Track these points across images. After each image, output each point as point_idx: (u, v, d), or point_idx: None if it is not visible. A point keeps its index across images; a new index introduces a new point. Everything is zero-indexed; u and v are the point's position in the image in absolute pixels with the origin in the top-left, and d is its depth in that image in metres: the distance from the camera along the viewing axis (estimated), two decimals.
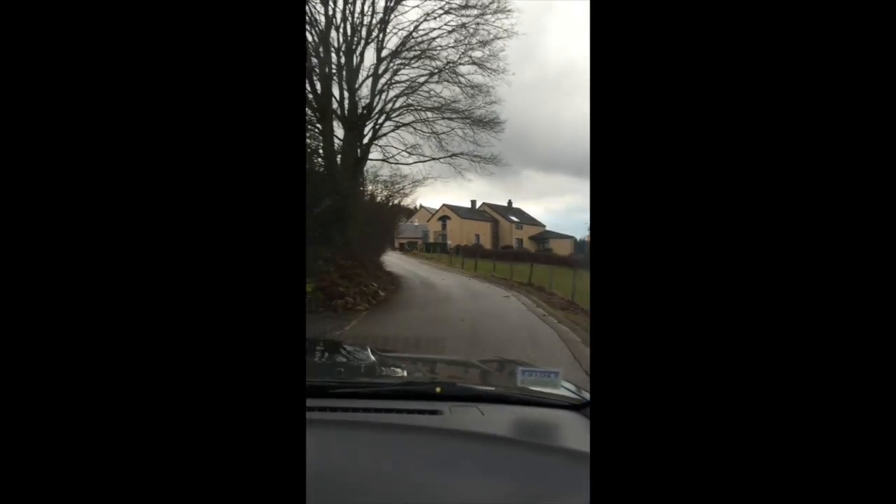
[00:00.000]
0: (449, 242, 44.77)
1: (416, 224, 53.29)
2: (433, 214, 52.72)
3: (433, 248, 36.81)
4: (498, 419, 1.01)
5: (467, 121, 13.55)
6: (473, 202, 55.40)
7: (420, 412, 1.00)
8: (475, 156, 13.96)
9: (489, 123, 13.55)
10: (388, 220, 17.23)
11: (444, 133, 13.95)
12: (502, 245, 49.09)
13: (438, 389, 1.11)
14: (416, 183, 16.13)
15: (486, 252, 36.98)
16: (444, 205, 51.74)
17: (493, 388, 1.27)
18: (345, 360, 1.60)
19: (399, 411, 1.00)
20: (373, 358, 1.51)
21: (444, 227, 50.09)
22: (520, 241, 51.11)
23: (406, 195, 17.61)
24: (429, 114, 13.51)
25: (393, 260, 26.31)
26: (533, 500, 0.66)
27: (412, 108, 13.55)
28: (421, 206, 59.52)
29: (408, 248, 40.76)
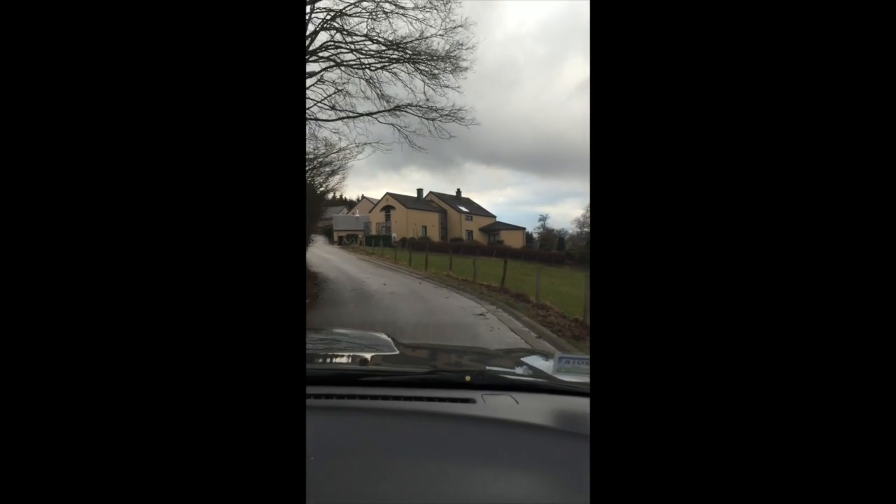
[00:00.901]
0: (394, 235, 40.52)
1: (358, 216, 48.42)
2: (375, 204, 48.18)
3: (376, 242, 32.25)
4: (533, 407, 0.98)
5: (421, 58, 9.10)
6: (420, 191, 51.25)
7: (452, 400, 0.97)
8: (430, 109, 9.59)
9: (451, 61, 9.26)
10: (310, 205, 12.65)
11: (386, 82, 9.57)
12: (451, 237, 45.34)
13: (468, 378, 1.07)
14: (346, 154, 11.46)
15: (436, 245, 33.16)
16: (387, 193, 47.22)
17: (524, 377, 1.25)
18: (370, 348, 1.47)
19: (430, 399, 0.97)
20: (396, 348, 1.46)
21: (387, 217, 45.66)
22: (470, 232, 47.49)
23: (335, 171, 13.06)
24: (370, 47, 9.00)
25: (325, 256, 21.97)
26: (572, 488, 0.66)
27: (338, 46, 9.07)
28: (363, 197, 55.04)
29: (346, 242, 36.23)
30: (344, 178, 13.15)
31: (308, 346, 1.33)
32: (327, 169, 12.62)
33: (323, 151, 11.13)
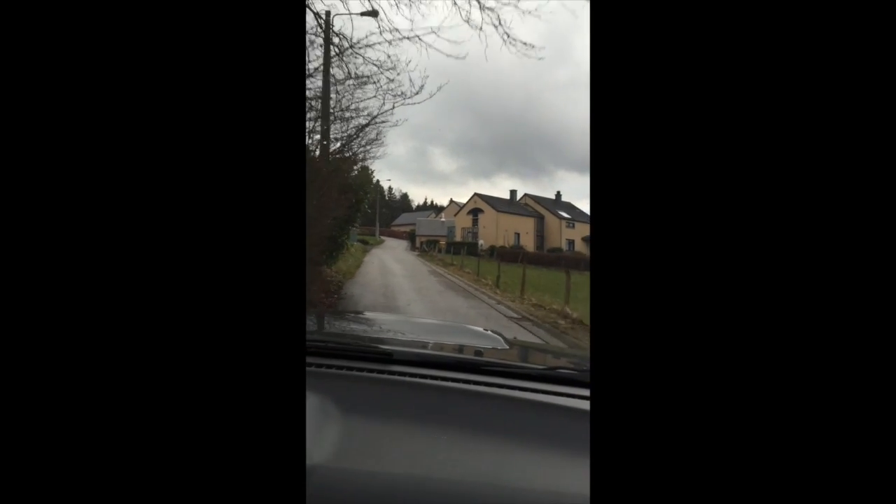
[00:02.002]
0: (481, 242, 34.84)
1: (442, 219, 43.17)
2: (462, 207, 42.84)
3: (458, 250, 26.53)
4: None
5: None
6: (513, 193, 45.19)
7: (583, 398, 0.92)
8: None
9: None
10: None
11: None
12: (549, 247, 38.71)
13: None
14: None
15: (531, 256, 26.95)
16: (475, 194, 41.59)
17: None
18: (481, 342, 1.43)
19: (558, 394, 0.92)
20: (505, 343, 1.37)
21: (475, 222, 40.05)
22: (571, 242, 40.56)
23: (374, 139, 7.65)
24: None
25: (388, 264, 16.89)
26: None
27: None
28: (452, 201, 50.30)
29: (426, 249, 31.16)
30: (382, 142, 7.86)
31: (420, 331, 1.50)
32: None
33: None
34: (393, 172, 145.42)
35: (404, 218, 61.10)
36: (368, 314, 2.59)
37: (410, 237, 41.05)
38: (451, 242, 30.62)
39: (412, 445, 0.68)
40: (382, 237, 45.91)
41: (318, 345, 1.03)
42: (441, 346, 1.23)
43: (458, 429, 0.73)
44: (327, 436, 0.67)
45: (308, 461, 0.59)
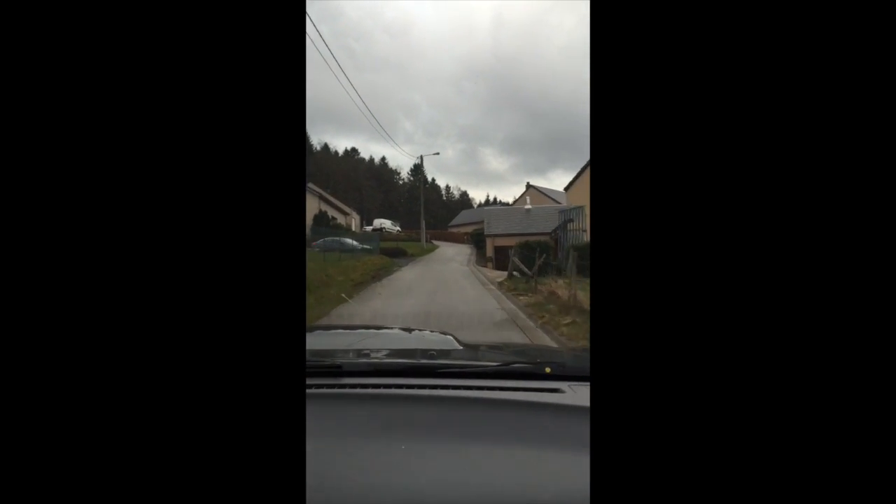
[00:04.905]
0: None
1: (528, 207, 25.85)
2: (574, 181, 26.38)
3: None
4: None
5: None
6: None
7: (539, 390, 0.96)
8: None
9: None
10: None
11: None
12: None
13: (548, 370, 1.05)
14: None
15: None
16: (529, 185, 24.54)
17: None
18: (433, 345, 1.44)
19: (515, 389, 0.95)
20: (458, 344, 1.42)
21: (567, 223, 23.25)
22: None
23: None
24: None
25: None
26: None
27: None
28: (530, 185, 34.71)
29: (524, 271, 15.00)
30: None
31: (371, 339, 1.55)
32: None
33: None
34: (446, 176, 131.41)
35: (465, 216, 45.71)
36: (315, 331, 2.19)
37: (475, 240, 25.31)
38: (576, 247, 12.97)
39: (376, 457, 0.68)
40: (436, 242, 33.85)
41: None
42: (394, 353, 1.29)
43: (418, 434, 0.74)
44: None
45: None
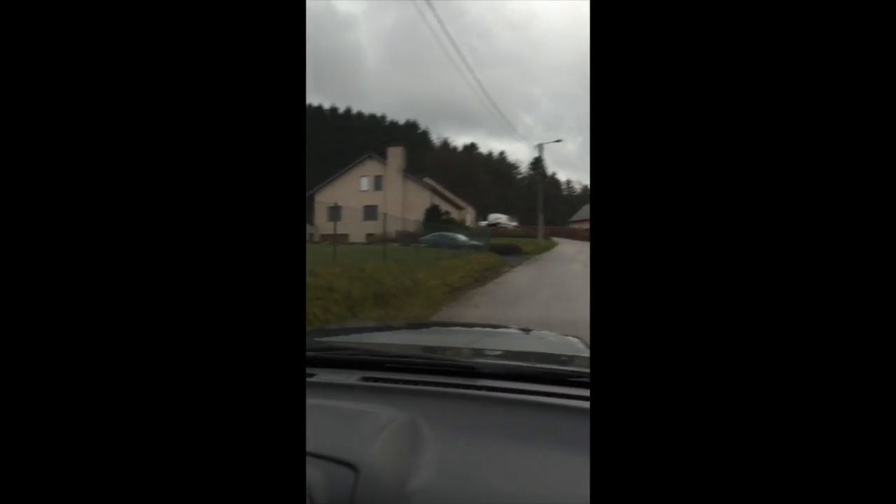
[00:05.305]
0: None
1: None
2: None
3: None
4: None
5: None
6: None
7: None
8: None
9: None
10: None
11: None
12: None
13: None
14: None
15: None
16: None
17: None
18: (557, 349, 1.39)
19: None
20: (585, 349, 1.29)
21: None
22: None
23: None
24: None
25: None
26: None
27: None
28: None
29: None
30: None
31: (490, 339, 1.48)
32: None
33: None
34: (566, 170, 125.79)
35: (587, 211, 42.44)
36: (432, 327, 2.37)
37: None
38: None
39: (510, 466, 0.67)
40: (554, 239, 32.29)
41: (401, 360, 1.01)
42: (523, 356, 1.20)
43: (554, 448, 0.71)
44: (424, 458, 0.67)
45: (407, 485, 0.62)
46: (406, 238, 16.75)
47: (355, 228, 21.55)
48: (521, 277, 10.83)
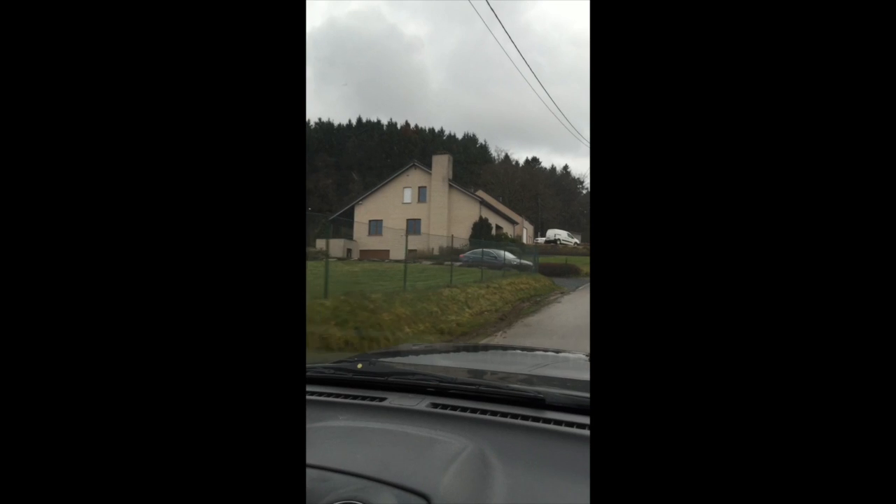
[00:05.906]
0: None
1: None
2: None
3: None
4: None
5: None
6: None
7: None
8: None
9: None
10: None
11: None
12: None
13: None
14: None
15: None
16: None
17: None
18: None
19: None
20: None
21: None
22: None
23: None
24: None
25: None
26: None
27: None
28: None
29: None
30: None
31: (554, 367, 1.50)
32: None
33: None
34: None
35: None
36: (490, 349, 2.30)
37: None
38: None
39: (578, 502, 0.67)
40: None
41: (468, 388, 1.01)
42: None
43: None
44: (493, 490, 0.68)
45: None
46: (447, 255, 14.70)
47: (395, 244, 19.70)
48: (568, 311, 8.38)
